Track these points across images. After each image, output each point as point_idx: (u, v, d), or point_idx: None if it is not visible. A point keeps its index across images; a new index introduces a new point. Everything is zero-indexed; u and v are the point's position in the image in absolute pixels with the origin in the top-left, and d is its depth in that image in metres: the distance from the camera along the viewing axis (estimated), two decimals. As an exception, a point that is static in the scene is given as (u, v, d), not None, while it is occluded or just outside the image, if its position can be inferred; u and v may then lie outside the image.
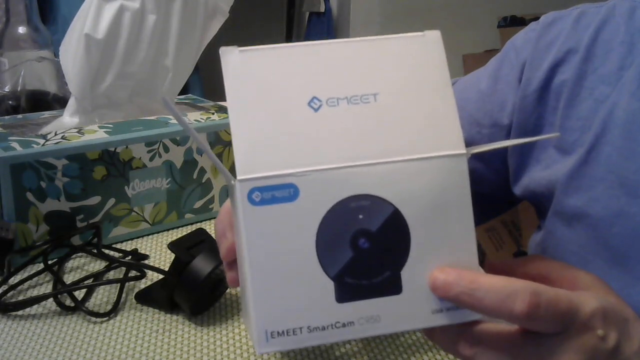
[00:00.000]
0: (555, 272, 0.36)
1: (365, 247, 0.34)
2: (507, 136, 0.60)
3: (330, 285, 0.33)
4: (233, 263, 0.39)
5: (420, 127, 0.35)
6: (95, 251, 0.58)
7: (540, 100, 0.57)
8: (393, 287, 0.34)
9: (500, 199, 0.64)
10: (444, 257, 0.34)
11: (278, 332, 0.33)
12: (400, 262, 0.34)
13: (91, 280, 0.55)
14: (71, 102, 0.67)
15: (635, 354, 0.33)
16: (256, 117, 0.34)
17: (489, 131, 0.59)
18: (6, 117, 0.71)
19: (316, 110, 0.35)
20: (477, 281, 0.31)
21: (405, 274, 0.34)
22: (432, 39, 0.37)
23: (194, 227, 0.65)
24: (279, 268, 0.33)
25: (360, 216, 0.34)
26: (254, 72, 0.35)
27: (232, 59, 0.35)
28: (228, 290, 0.54)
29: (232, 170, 0.33)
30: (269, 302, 0.33)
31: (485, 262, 0.37)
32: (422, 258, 0.34)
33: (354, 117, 0.35)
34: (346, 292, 0.34)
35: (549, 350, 0.31)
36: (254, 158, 0.34)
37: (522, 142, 0.36)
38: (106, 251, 0.59)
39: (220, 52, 0.35)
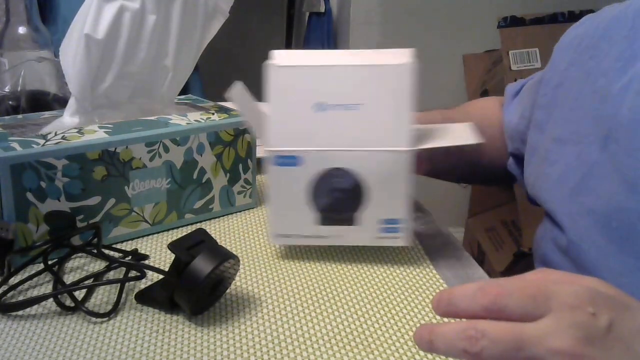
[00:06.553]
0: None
1: (338, 197, 0.57)
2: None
3: (315, 215, 0.57)
4: None
5: (384, 129, 0.54)
6: (95, 251, 0.58)
7: (553, 99, 0.59)
8: (353, 221, 0.57)
9: (497, 170, 0.75)
10: (387, 207, 0.56)
11: (283, 235, 0.59)
12: (359, 208, 0.57)
13: (91, 280, 0.55)
14: (71, 102, 0.66)
15: (634, 333, 0.33)
16: (284, 112, 0.55)
17: (528, 118, 0.66)
18: (6, 117, 0.71)
19: (320, 111, 0.55)
20: (452, 291, 0.35)
21: (361, 215, 0.57)
22: (407, 68, 0.53)
23: (194, 227, 0.65)
24: (287, 202, 0.57)
25: (337, 179, 0.56)
26: (286, 83, 0.55)
27: (274, 71, 0.55)
28: (228, 290, 0.54)
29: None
30: (279, 219, 0.58)
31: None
32: (373, 207, 0.56)
33: (343, 118, 0.54)
34: (324, 220, 0.58)
35: (546, 331, 0.32)
36: (279, 138, 0.56)
37: (444, 146, 0.57)
38: (106, 251, 0.59)
39: (266, 65, 0.55)
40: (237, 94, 0.55)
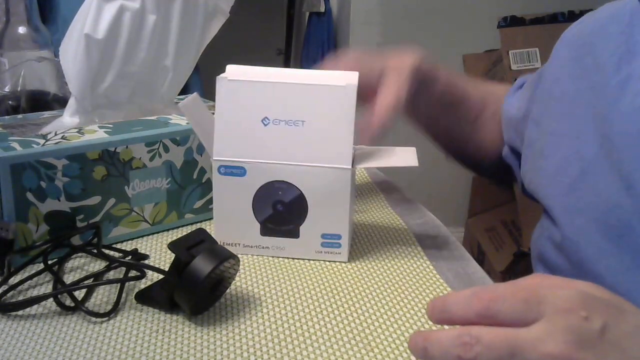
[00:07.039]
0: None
1: (280, 209, 0.58)
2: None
3: (258, 225, 0.59)
4: None
5: (326, 146, 0.56)
6: (95, 251, 0.58)
7: (551, 94, 0.59)
8: (294, 233, 0.59)
9: (489, 159, 0.76)
10: (328, 222, 0.58)
11: (226, 244, 0.60)
12: (300, 221, 0.59)
13: (91, 280, 0.55)
14: (71, 102, 0.66)
15: (628, 336, 0.33)
16: (231, 123, 0.57)
17: (525, 110, 0.67)
18: (6, 117, 0.71)
19: (265, 125, 0.57)
20: (446, 298, 0.36)
21: (303, 228, 0.59)
22: (349, 89, 0.55)
23: (194, 227, 0.65)
24: (230, 211, 0.59)
25: (280, 192, 0.58)
26: (234, 96, 0.57)
27: (223, 84, 0.57)
28: (228, 291, 0.54)
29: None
30: (223, 227, 0.60)
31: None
32: (314, 221, 0.58)
33: (287, 134, 0.56)
34: (266, 231, 0.60)
35: (539, 336, 0.32)
36: (224, 148, 0.58)
37: (383, 167, 0.60)
38: (106, 251, 0.59)
39: (216, 79, 0.57)
40: (189, 105, 0.57)
